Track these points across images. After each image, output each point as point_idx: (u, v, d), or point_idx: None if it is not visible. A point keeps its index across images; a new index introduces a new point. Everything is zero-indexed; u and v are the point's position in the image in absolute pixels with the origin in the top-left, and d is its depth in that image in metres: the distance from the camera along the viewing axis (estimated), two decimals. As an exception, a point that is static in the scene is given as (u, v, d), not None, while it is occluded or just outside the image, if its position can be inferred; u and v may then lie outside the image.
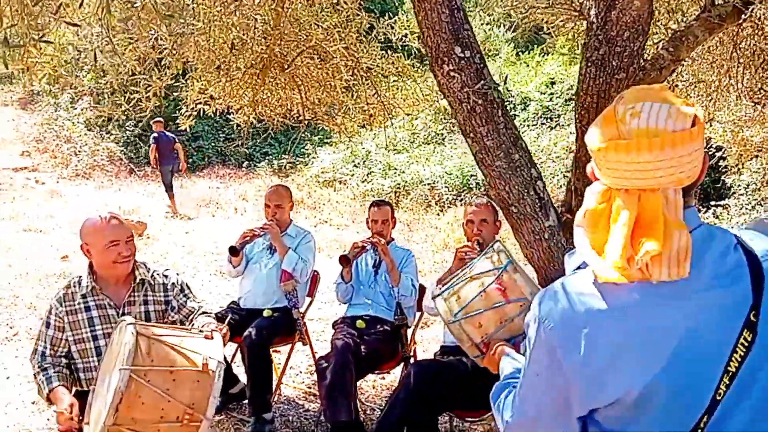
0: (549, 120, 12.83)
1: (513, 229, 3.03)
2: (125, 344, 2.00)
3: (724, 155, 6.62)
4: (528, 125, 12.98)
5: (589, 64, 2.56)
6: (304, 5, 3.87)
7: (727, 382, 0.99)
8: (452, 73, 2.79)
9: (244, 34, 3.33)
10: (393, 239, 3.66)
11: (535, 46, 17.68)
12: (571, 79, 13.19)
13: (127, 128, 14.90)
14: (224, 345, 2.20)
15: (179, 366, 2.07)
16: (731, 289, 1.01)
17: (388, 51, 4.21)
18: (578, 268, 1.14)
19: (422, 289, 3.60)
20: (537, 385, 1.13)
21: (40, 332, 2.45)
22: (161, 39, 3.29)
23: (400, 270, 3.50)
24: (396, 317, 3.41)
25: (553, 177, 11.16)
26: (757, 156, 5.59)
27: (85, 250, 2.44)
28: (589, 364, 1.02)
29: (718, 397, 0.99)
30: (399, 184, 11.65)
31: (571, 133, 11.94)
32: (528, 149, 2.99)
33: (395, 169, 12.42)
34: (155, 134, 10.59)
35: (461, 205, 10.55)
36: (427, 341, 4.90)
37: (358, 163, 13.30)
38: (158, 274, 2.60)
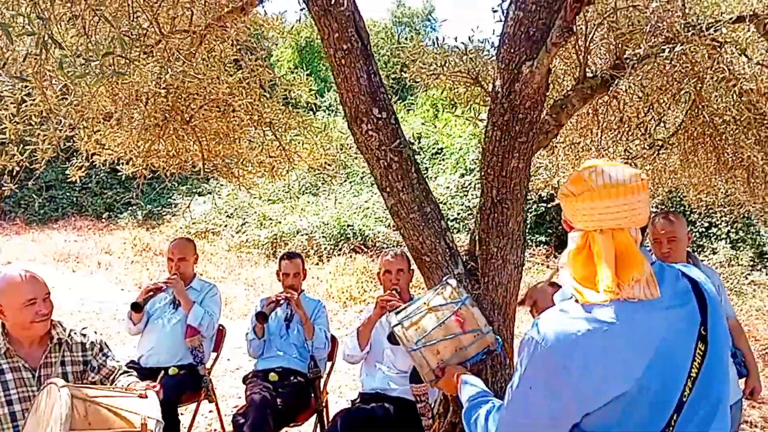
0: (417, 173, 13.47)
1: (425, 276, 3.23)
2: (60, 408, 1.90)
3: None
4: (399, 177, 13.54)
5: (495, 128, 2.85)
6: (207, 62, 3.91)
7: (690, 386, 1.24)
8: (370, 132, 2.98)
9: (154, 87, 3.31)
10: (303, 290, 3.72)
11: (399, 101, 18.65)
12: (436, 135, 14.03)
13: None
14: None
15: (117, 428, 1.99)
16: (686, 308, 1.28)
17: (288, 106, 4.34)
18: (568, 299, 1.33)
19: (334, 340, 3.68)
20: (530, 398, 1.31)
21: None
22: (61, 89, 3.19)
23: (313, 321, 3.56)
24: (310, 370, 3.43)
25: (425, 227, 11.68)
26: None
27: (-1, 311, 2.28)
28: (584, 374, 1.23)
29: (684, 399, 1.23)
30: (276, 234, 11.59)
31: (438, 185, 12.63)
32: (437, 203, 3.23)
33: (271, 219, 12.36)
34: None
35: (339, 254, 10.71)
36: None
37: (231, 214, 13.09)
38: (75, 333, 2.47)
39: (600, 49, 3.74)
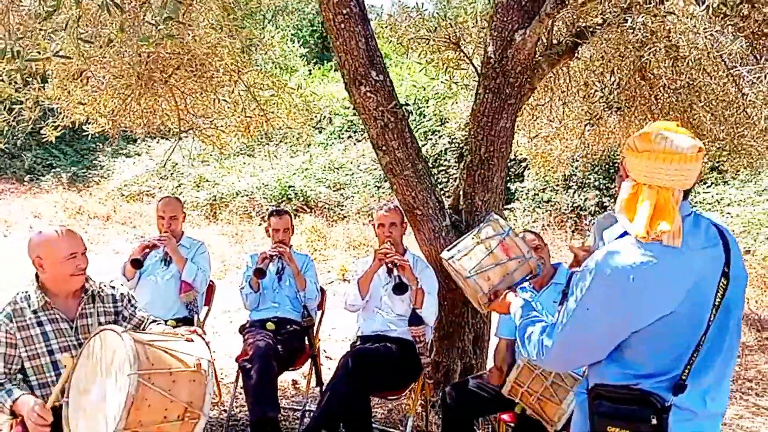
0: (355, 133, 13.64)
1: (415, 229, 3.50)
2: (126, 351, 2.04)
3: (527, 165, 7.86)
4: (335, 138, 13.66)
5: (487, 91, 3.12)
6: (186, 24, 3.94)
7: (714, 312, 1.55)
8: (369, 94, 3.17)
9: (155, 48, 3.34)
10: (291, 245, 3.89)
11: (325, 61, 18.58)
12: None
13: None
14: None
15: (175, 368, 2.16)
16: (715, 249, 1.58)
17: (266, 66, 4.43)
18: (618, 237, 1.61)
19: (323, 291, 3.90)
20: (587, 318, 1.57)
21: None
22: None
23: (303, 274, 3.76)
24: (304, 318, 3.66)
25: (365, 187, 11.93)
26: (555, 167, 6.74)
27: (38, 264, 2.36)
28: (635, 298, 1.51)
29: (710, 323, 1.55)
30: (215, 196, 11.52)
31: (376, 145, 12.83)
32: (427, 160, 3.48)
33: (208, 181, 12.24)
34: None
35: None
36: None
37: (165, 176, 12.83)
38: (105, 285, 2.58)
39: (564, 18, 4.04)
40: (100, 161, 14.34)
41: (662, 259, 1.50)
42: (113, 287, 2.61)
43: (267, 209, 11.10)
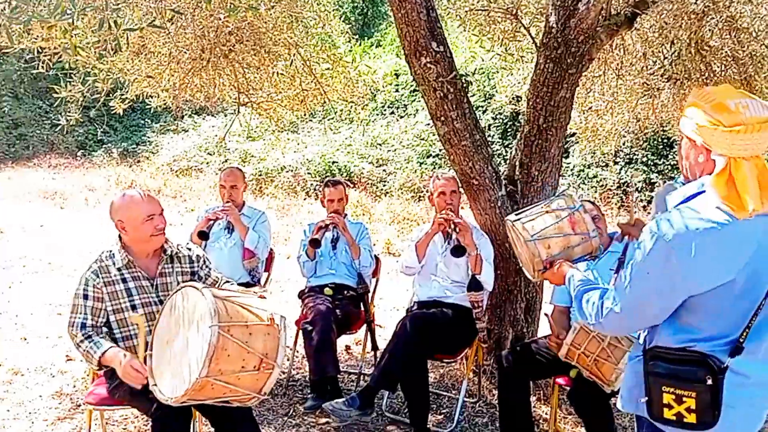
0: (397, 110, 13.66)
1: (470, 199, 3.56)
2: (208, 305, 2.18)
3: (576, 140, 7.82)
4: (378, 114, 13.70)
5: (548, 61, 3.14)
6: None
7: None
8: (429, 65, 3.23)
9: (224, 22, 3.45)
10: (346, 214, 4.00)
11: (366, 38, 18.52)
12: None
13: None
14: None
15: (251, 321, 2.30)
16: None
17: (320, 42, 4.51)
18: (681, 202, 1.61)
19: (377, 259, 4.00)
20: (647, 281, 1.58)
21: (76, 305, 2.49)
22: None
23: (358, 243, 3.87)
24: (359, 286, 3.78)
25: (408, 162, 11.97)
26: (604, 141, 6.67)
27: (121, 227, 2.52)
28: (696, 264, 1.51)
29: None
30: (261, 171, 11.73)
31: (418, 121, 12.84)
32: (484, 131, 3.52)
33: (253, 156, 12.46)
34: None
35: (327, 190, 10.96)
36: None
37: (212, 151, 13.10)
38: (182, 247, 2.73)
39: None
40: (148, 137, 14.69)
41: (726, 227, 1.51)
42: (189, 249, 2.76)
43: (311, 184, 11.28)
